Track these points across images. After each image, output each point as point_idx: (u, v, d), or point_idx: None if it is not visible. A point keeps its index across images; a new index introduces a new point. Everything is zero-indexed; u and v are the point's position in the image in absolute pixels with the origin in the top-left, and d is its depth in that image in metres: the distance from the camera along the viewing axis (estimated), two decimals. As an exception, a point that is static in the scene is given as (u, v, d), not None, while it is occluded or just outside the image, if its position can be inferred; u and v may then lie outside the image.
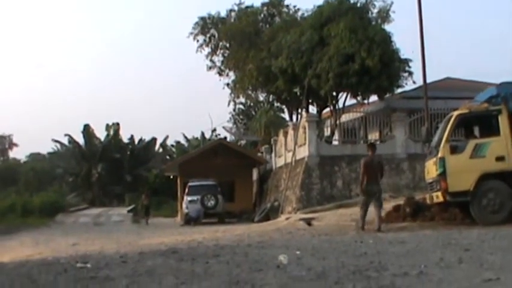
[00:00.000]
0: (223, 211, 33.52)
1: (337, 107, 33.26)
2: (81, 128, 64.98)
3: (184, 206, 34.01)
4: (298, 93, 35.34)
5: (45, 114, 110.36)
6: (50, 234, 26.59)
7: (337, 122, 32.37)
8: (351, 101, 33.83)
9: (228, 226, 27.13)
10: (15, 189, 63.56)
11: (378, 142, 30.88)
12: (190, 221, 32.25)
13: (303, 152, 29.43)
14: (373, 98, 33.39)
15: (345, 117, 32.96)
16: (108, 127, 66.54)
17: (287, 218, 25.16)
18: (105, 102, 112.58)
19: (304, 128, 29.48)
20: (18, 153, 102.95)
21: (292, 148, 31.28)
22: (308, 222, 21.26)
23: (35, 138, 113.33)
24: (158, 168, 56.01)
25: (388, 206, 20.09)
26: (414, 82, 31.50)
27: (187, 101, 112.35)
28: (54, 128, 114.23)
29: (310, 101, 35.62)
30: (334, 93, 32.41)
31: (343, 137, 31.12)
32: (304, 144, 29.30)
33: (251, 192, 39.12)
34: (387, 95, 32.13)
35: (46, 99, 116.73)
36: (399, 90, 32.42)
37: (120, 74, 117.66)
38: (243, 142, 54.19)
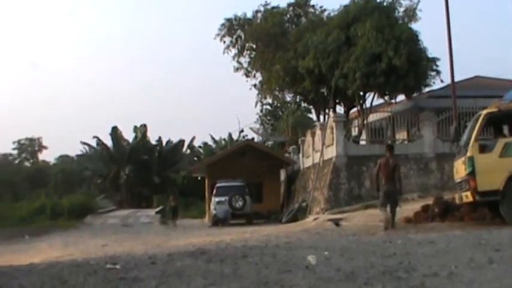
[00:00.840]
0: (251, 212, 33.53)
1: (364, 106, 33.16)
2: (110, 130, 65.48)
3: (212, 207, 34.09)
4: (325, 94, 35.26)
5: (74, 116, 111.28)
6: (79, 236, 26.82)
7: (365, 121, 32.23)
8: (378, 101, 33.80)
9: (256, 227, 27.13)
10: (44, 191, 64.14)
11: (406, 142, 30.79)
12: (218, 222, 32.33)
13: (331, 152, 29.36)
14: (401, 97, 33.29)
15: (372, 117, 32.81)
16: (136, 129, 66.80)
17: (315, 219, 25.10)
18: (133, 104, 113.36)
19: (332, 128, 29.39)
20: (48, 156, 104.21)
21: (320, 148, 31.21)
22: (336, 222, 21.21)
23: (64, 141, 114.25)
24: (186, 170, 56.21)
25: (416, 206, 20.01)
26: (442, 81, 31.36)
27: (215, 102, 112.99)
28: (83, 130, 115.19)
29: (337, 101, 35.57)
30: (362, 93, 32.32)
31: (371, 136, 30.94)
32: (332, 144, 29.23)
33: (279, 193, 39.08)
34: (415, 94, 31.99)
35: (75, 101, 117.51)
36: (427, 89, 32.29)
37: (148, 76, 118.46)
38: (270, 143, 54.18)
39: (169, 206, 39.53)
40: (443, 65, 30.33)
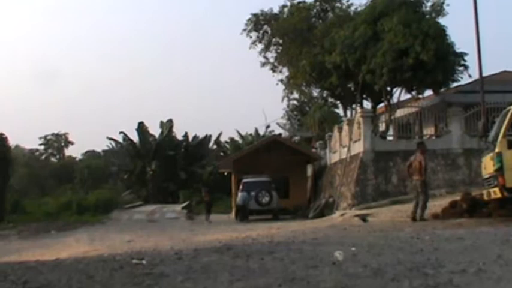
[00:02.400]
0: (277, 207, 33.50)
1: (391, 102, 32.96)
2: (136, 125, 65.68)
3: (238, 202, 34.13)
4: (352, 89, 35.14)
5: (101, 112, 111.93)
6: (105, 231, 26.98)
7: (392, 117, 32.05)
8: (405, 96, 33.57)
9: (282, 223, 27.10)
10: (70, 186, 64.78)
11: (434, 137, 30.61)
12: (243, 214, 32.54)
13: (358, 148, 29.28)
14: (428, 92, 33.03)
15: (399, 112, 32.64)
16: (162, 124, 66.95)
17: (342, 215, 25.06)
18: (159, 99, 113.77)
19: (359, 124, 29.30)
20: (74, 151, 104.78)
21: (347, 144, 31.13)
22: (363, 218, 21.19)
23: (90, 137, 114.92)
24: (212, 165, 56.35)
25: (444, 202, 19.90)
26: (470, 76, 30.99)
27: (241, 98, 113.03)
28: (109, 125, 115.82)
29: (364, 96, 35.45)
30: (389, 88, 32.16)
31: (398, 132, 30.79)
32: (359, 139, 29.14)
33: (305, 188, 39.03)
34: (442, 90, 31.74)
35: (101, 97, 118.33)
36: (455, 84, 31.92)
37: (175, 71, 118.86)
38: (296, 138, 54.10)
39: (202, 201, 39.36)
40: (471, 60, 30.00)
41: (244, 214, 32.82)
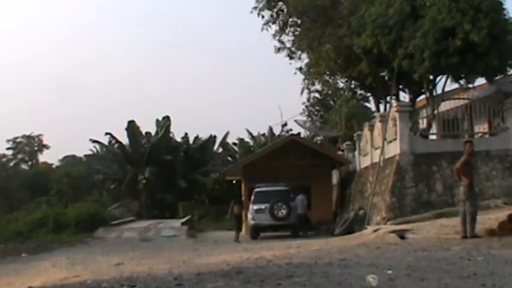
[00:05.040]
0: (297, 222, 33.47)
1: (434, 93, 32.84)
2: (125, 124, 65.55)
3: (250, 216, 34.15)
4: (386, 78, 35.05)
5: (81, 109, 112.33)
6: (89, 253, 27.08)
7: (435, 111, 31.96)
8: (451, 86, 33.43)
9: (303, 240, 27.17)
10: (46, 199, 64.94)
11: (487, 135, 30.51)
12: (254, 231, 32.65)
13: (394, 150, 29.23)
14: (480, 81, 32.89)
15: (444, 106, 32.54)
16: (157, 123, 66.92)
17: (375, 230, 24.97)
18: (154, 94, 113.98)
19: (395, 120, 29.26)
20: (50, 157, 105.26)
21: (380, 145, 31.09)
22: (401, 235, 21.12)
23: (69, 139, 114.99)
24: (218, 172, 56.44)
25: (501, 214, 19.80)
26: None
27: (252, 91, 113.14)
28: (93, 125, 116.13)
29: (401, 86, 35.35)
30: (431, 77, 32.02)
31: (443, 130, 30.70)
32: (395, 139, 29.11)
33: (330, 198, 39.07)
34: (498, 77, 31.58)
35: (82, 91, 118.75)
36: (513, 70, 31.82)
37: (171, 60, 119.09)
38: (319, 138, 54.16)
39: (231, 215, 39.23)
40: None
41: (255, 231, 32.86)
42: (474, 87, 33.79)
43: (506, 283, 8.09)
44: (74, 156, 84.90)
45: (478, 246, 15.19)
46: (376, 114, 37.41)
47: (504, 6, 29.73)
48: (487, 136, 30.67)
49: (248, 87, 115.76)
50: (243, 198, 38.39)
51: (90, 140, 68.37)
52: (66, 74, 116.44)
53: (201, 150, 68.37)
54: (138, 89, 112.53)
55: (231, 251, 21.88)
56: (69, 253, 27.44)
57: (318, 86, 47.33)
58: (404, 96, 36.37)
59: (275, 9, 40.55)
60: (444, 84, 32.39)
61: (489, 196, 25.69)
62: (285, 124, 62.21)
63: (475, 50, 28.15)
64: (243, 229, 35.33)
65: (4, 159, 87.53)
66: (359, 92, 45.76)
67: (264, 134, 65.57)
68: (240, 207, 35.84)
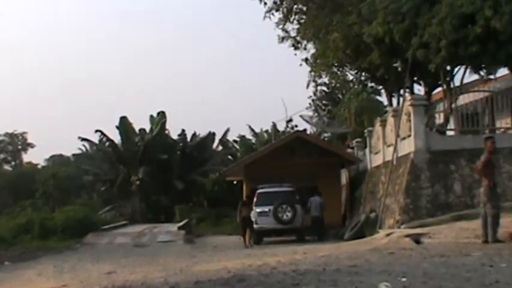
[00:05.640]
0: (302, 225, 33.50)
1: (452, 85, 32.82)
2: (117, 121, 65.50)
3: (252, 219, 34.13)
4: (400, 69, 35.02)
5: (69, 105, 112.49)
6: (78, 261, 27.16)
7: (453, 105, 31.94)
8: (471, 77, 33.41)
9: (309, 245, 27.21)
10: (31, 202, 64.94)
11: (511, 131, 30.48)
12: (257, 236, 32.67)
13: (408, 147, 29.20)
14: (503, 71, 32.86)
15: (463, 99, 32.56)
16: (152, 119, 66.82)
17: (388, 234, 24.98)
18: (147, 88, 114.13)
19: (409, 115, 29.22)
20: (35, 156, 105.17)
21: (393, 142, 31.06)
22: (416, 239, 21.13)
23: (56, 137, 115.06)
24: (217, 172, 56.49)
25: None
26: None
27: (254, 84, 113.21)
28: (81, 122, 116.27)
29: (415, 78, 35.32)
30: (448, 68, 31.99)
31: (462, 125, 30.68)
32: (409, 136, 29.08)
33: (339, 200, 39.13)
34: (522, 67, 31.58)
35: (70, 85, 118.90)
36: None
37: (166, 50, 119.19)
38: (327, 135, 54.18)
39: (239, 218, 39.04)
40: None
41: (258, 235, 32.92)
42: (496, 79, 33.82)
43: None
44: (61, 155, 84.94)
45: (501, 252, 15.18)
46: (388, 108, 37.46)
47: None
48: (510, 132, 30.63)
49: (250, 80, 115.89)
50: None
51: (79, 137, 68.36)
52: (51, 68, 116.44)
53: (199, 149, 68.42)
54: (130, 83, 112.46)
55: (232, 257, 21.91)
56: (56, 261, 27.46)
57: (325, 79, 47.54)
58: (419, 89, 36.47)
59: (279, -5, 40.61)
60: (463, 75, 32.37)
61: (513, 197, 25.68)
62: (290, 120, 62.36)
63: (497, 38, 28.05)
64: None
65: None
66: (370, 84, 45.86)
67: (267, 131, 65.65)
68: (249, 209, 35.24)
